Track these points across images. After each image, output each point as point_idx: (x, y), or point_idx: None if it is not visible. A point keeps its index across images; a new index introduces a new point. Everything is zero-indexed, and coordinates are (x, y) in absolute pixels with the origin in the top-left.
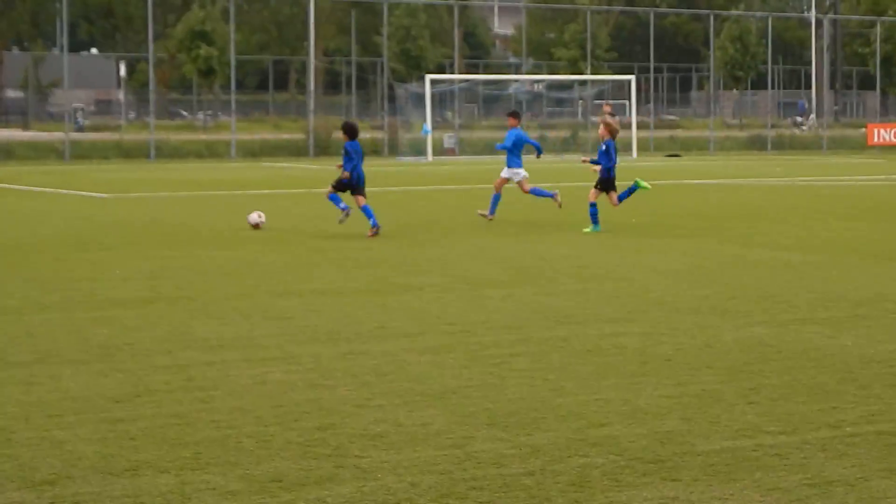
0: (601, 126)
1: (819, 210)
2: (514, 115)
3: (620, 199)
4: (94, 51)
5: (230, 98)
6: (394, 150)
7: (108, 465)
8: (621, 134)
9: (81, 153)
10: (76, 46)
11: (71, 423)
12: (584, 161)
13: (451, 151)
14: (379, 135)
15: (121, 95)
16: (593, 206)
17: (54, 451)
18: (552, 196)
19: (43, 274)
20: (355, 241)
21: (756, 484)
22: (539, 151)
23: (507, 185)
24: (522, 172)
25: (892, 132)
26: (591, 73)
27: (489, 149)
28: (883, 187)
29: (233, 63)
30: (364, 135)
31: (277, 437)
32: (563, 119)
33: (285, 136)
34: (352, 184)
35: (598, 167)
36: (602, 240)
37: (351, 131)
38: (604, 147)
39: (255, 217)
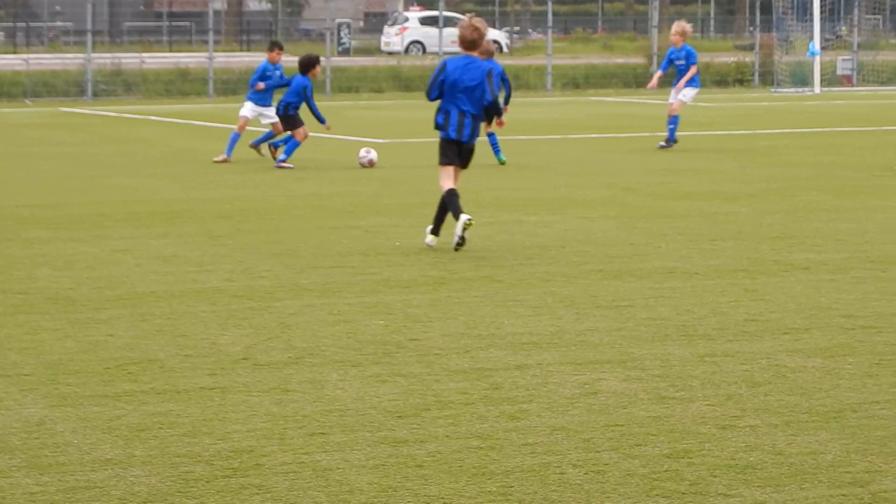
0: None
1: None
2: None
3: None
4: None
5: (546, 9)
6: (767, 79)
7: (388, 500)
8: None
9: (345, 84)
10: None
11: (339, 444)
12: None
13: (846, 80)
14: (747, 58)
15: (399, 6)
16: None
17: (318, 480)
18: None
19: (299, 247)
20: (714, 203)
21: None
22: None
23: None
24: None
25: None
26: None
27: None
28: None
29: None
30: (725, 58)
31: (613, 467)
32: None
33: (619, 59)
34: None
35: None
36: None
37: None
38: None
39: (364, 155)
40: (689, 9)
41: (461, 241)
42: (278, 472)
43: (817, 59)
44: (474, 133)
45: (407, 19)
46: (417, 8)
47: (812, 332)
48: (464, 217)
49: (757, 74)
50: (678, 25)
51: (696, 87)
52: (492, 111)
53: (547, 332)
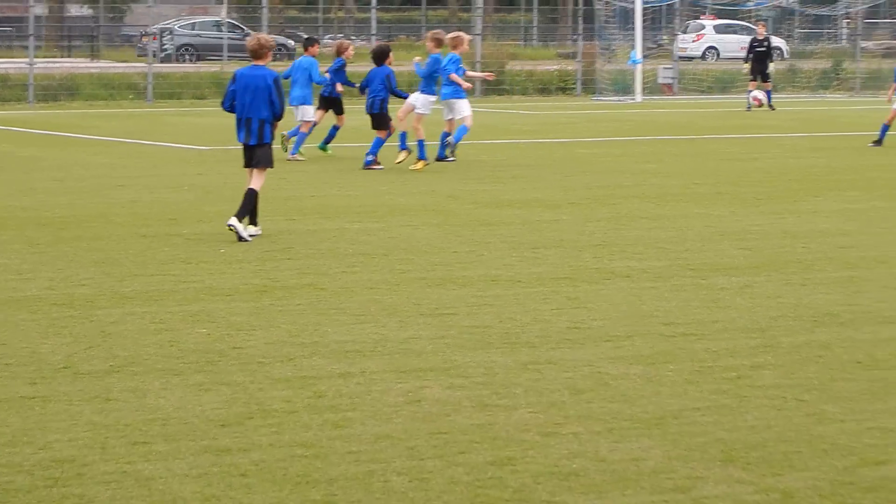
0: None
1: None
2: None
3: None
4: None
5: (370, 16)
6: (590, 87)
7: None
8: None
9: (167, 90)
10: None
11: (162, 453)
12: None
13: (668, 89)
14: (570, 66)
15: (222, 12)
16: None
17: (141, 490)
18: None
19: (120, 255)
20: (534, 211)
21: None
22: None
23: None
24: None
25: None
26: None
27: (720, 84)
28: None
29: None
30: (549, 65)
31: (437, 474)
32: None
33: None
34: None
35: None
36: (874, 211)
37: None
38: None
39: None
40: (513, 16)
41: (232, 230)
42: (100, 481)
43: (639, 67)
44: (262, 136)
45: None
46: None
47: (634, 339)
48: (231, 220)
49: (579, 83)
50: (431, 34)
51: (432, 95)
52: (279, 117)
53: (370, 339)
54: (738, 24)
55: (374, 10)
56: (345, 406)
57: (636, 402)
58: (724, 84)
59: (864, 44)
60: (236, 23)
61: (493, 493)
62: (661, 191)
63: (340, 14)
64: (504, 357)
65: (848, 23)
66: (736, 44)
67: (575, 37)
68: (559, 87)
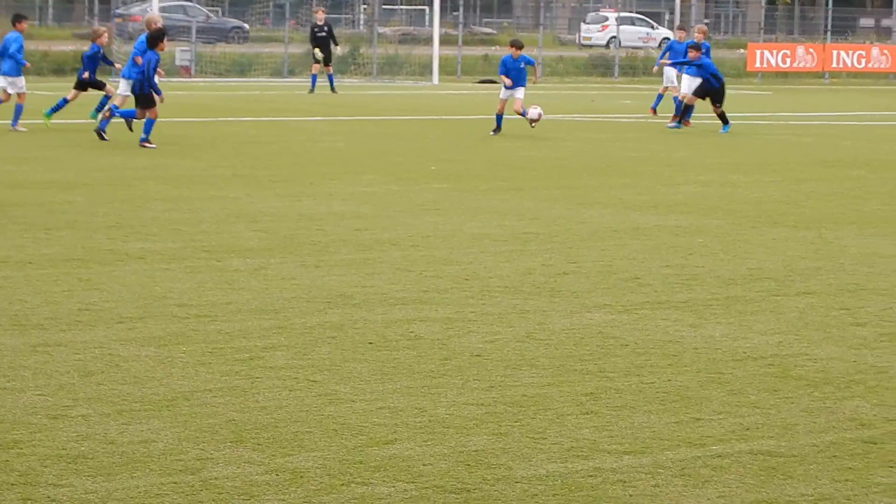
0: None
1: (681, 159)
2: None
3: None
4: None
5: None
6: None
7: None
8: (418, 52)
9: None
10: None
11: None
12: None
13: (185, 71)
14: (85, 47)
15: None
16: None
17: None
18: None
19: None
20: (50, 192)
21: None
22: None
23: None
24: None
25: (780, 55)
26: None
27: (237, 67)
28: (767, 127)
29: None
30: (62, 46)
31: None
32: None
33: None
34: None
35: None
36: (389, 194)
37: None
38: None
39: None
40: None
41: None
42: None
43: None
44: None
45: None
46: None
47: (146, 320)
48: None
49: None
50: None
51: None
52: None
53: None
54: (636, 17)
55: None
56: None
57: (147, 384)
58: (241, 67)
59: (381, 29)
60: None
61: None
62: (178, 173)
63: None
64: (13, 339)
65: (365, 8)
66: (635, 34)
67: (90, 17)
68: (74, 68)
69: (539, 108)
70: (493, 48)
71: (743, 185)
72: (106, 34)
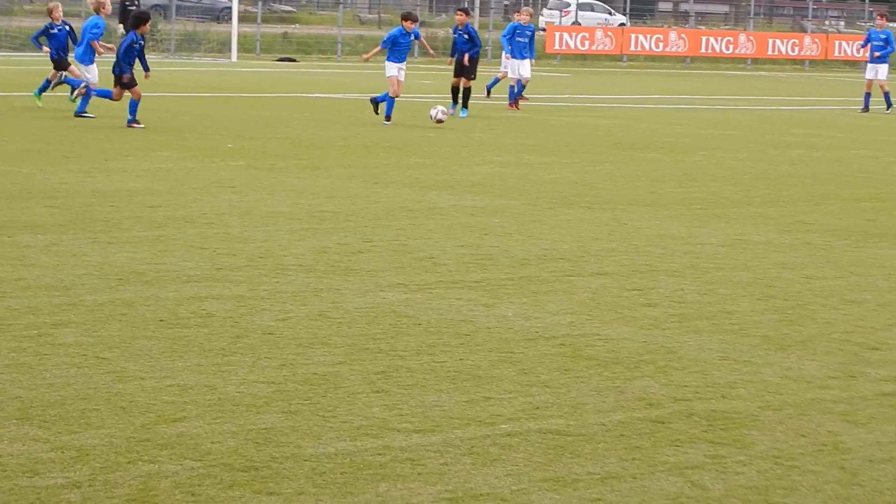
0: None
1: (478, 140)
2: None
3: None
4: None
5: None
6: None
7: None
8: (216, 29)
9: None
10: None
11: None
12: None
13: None
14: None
15: None
16: None
17: None
18: None
19: None
20: None
21: (380, 499)
22: None
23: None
24: None
25: (579, 38)
26: None
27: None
28: (564, 109)
29: None
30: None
31: None
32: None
33: None
34: None
35: None
36: (184, 172)
37: None
38: None
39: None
40: None
41: None
42: None
43: None
44: None
45: None
46: None
47: None
48: None
49: None
50: None
51: None
52: None
53: None
54: (595, 3)
55: None
56: None
57: None
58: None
59: (179, 2)
60: None
61: None
62: None
63: None
64: None
65: None
66: (594, 19)
67: None
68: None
69: (441, 108)
70: (294, 26)
71: (539, 167)
72: (58, 8)
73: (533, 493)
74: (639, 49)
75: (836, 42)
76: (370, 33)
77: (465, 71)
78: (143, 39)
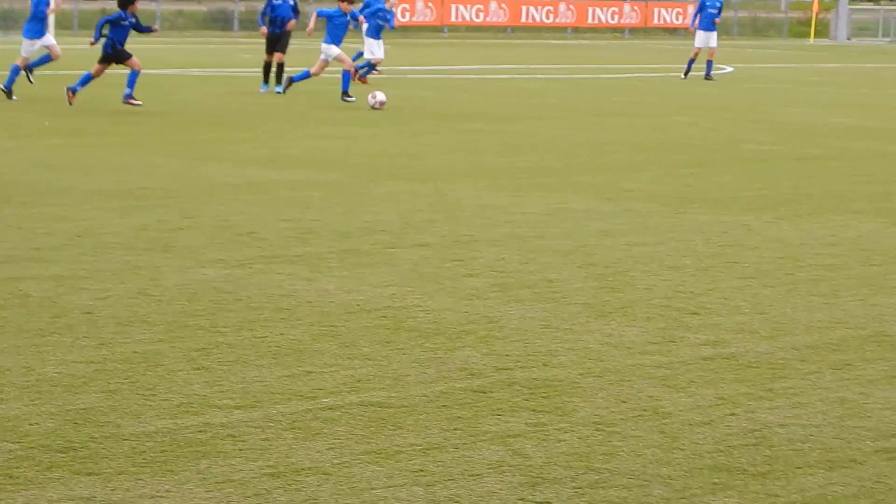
0: None
1: (299, 114)
2: None
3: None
4: None
5: None
6: None
7: None
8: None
9: None
10: None
11: None
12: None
13: None
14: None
15: None
16: None
17: None
18: None
19: None
20: None
21: (201, 476)
22: None
23: None
24: None
25: (400, 9)
26: None
27: None
28: (386, 81)
29: None
30: None
31: None
32: None
33: None
34: None
35: None
36: (1, 151)
37: None
38: None
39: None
40: None
41: None
42: None
43: None
44: None
45: None
46: None
47: None
48: None
49: None
50: None
51: None
52: None
53: None
54: None
55: None
56: None
57: None
58: None
59: None
60: None
61: None
62: None
63: None
64: None
65: None
66: None
67: None
68: None
69: (382, 95)
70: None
71: (361, 139)
72: None
73: (355, 465)
74: (459, 20)
75: (656, 10)
76: (189, 8)
77: (277, 45)
78: (135, 17)
